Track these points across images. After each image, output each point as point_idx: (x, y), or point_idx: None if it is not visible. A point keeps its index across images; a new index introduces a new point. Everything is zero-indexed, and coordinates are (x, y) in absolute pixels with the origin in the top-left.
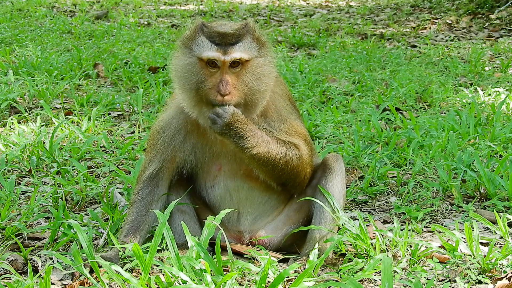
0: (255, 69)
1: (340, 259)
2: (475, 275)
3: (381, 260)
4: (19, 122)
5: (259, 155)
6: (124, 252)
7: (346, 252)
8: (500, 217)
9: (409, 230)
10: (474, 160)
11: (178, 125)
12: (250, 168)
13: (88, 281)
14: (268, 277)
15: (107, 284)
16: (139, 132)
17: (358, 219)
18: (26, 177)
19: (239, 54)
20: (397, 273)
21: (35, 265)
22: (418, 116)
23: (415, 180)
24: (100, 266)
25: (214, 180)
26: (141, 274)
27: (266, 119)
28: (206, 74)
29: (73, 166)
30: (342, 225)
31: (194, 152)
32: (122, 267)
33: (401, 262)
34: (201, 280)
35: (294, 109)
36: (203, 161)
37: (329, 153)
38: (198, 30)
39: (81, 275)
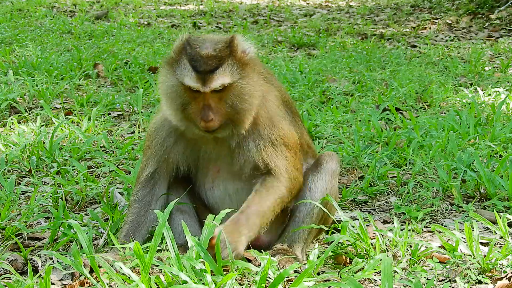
0: (239, 90)
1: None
2: (475, 275)
3: (381, 260)
4: (19, 122)
5: (261, 226)
6: (124, 252)
7: (347, 252)
8: (500, 217)
9: (409, 230)
10: (474, 160)
11: (169, 127)
12: (250, 171)
13: (88, 281)
14: (268, 277)
15: (107, 284)
16: (139, 132)
17: (358, 219)
18: (26, 177)
19: (220, 81)
20: (397, 273)
21: (35, 265)
22: (418, 116)
23: (415, 180)
24: (100, 266)
25: (213, 182)
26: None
27: (257, 126)
28: (189, 97)
29: (73, 166)
30: (342, 225)
31: (186, 155)
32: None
33: (401, 262)
34: (201, 280)
35: (288, 114)
36: (198, 164)
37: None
38: (182, 50)
39: (81, 275)
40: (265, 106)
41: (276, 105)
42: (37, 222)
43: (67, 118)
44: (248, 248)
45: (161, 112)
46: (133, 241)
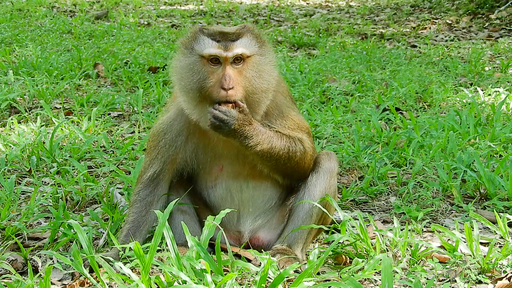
0: (257, 66)
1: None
2: (475, 275)
3: (381, 260)
4: (19, 122)
5: (263, 152)
6: (124, 252)
7: (347, 252)
8: (500, 217)
9: (409, 230)
10: (474, 160)
11: (180, 127)
12: (254, 168)
13: (88, 281)
14: (268, 277)
15: (107, 284)
16: (139, 132)
17: (358, 219)
18: (26, 177)
19: (241, 49)
20: (397, 273)
21: (35, 265)
22: (418, 116)
23: (415, 180)
24: (100, 266)
25: (215, 180)
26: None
27: (268, 117)
28: (208, 72)
29: (73, 166)
30: (342, 223)
31: (195, 153)
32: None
33: (401, 262)
34: (201, 280)
35: (294, 105)
36: (205, 162)
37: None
38: (198, 32)
39: (81, 275)
40: (275, 99)
41: (284, 96)
42: (37, 222)
43: (67, 118)
44: (248, 248)
45: (169, 112)
46: (133, 241)
